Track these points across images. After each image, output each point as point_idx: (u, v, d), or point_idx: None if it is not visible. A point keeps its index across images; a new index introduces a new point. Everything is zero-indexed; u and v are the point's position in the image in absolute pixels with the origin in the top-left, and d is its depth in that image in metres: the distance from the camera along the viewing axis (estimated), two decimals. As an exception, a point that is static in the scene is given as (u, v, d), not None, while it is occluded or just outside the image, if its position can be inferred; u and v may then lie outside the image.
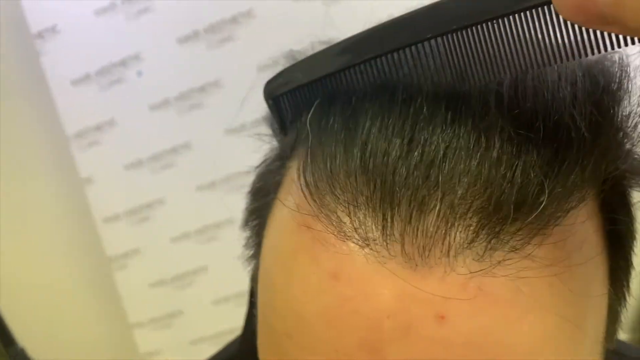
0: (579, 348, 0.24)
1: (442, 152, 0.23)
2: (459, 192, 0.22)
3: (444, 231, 0.22)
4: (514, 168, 0.23)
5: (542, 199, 0.22)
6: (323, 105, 0.27)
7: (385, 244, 0.23)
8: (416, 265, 0.23)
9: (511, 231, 0.22)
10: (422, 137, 0.23)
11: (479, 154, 0.23)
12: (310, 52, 0.28)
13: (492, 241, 0.22)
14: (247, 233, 0.34)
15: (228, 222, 0.96)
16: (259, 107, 0.31)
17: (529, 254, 0.23)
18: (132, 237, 0.99)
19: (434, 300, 0.22)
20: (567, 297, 0.24)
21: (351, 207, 0.24)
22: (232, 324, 0.73)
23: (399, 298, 0.23)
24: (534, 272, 0.23)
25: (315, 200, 0.25)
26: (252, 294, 0.35)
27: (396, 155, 0.23)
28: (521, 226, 0.22)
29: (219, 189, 0.95)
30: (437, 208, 0.23)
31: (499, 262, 0.22)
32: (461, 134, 0.23)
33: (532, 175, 0.22)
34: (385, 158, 0.24)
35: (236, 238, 0.35)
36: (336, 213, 0.24)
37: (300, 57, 0.29)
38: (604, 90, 0.24)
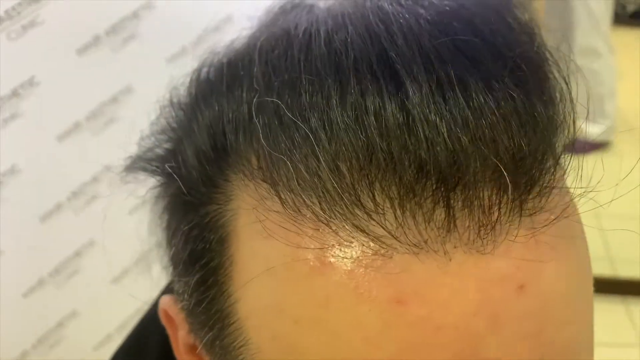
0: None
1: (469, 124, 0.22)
2: (494, 163, 0.22)
3: (497, 204, 0.22)
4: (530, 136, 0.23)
5: (547, 156, 0.24)
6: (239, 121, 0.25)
7: (441, 239, 0.22)
8: (481, 247, 0.22)
9: (542, 192, 0.24)
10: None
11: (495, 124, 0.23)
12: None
13: (534, 203, 0.23)
14: (185, 314, 0.30)
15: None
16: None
17: (553, 207, 0.24)
18: None
19: (510, 274, 0.22)
20: (583, 239, 0.26)
21: (385, 212, 0.22)
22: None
23: (477, 289, 0.22)
24: (564, 222, 0.24)
25: (326, 224, 0.23)
26: None
27: (425, 135, 0.22)
28: (544, 184, 0.23)
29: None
30: (486, 185, 0.22)
31: (543, 221, 0.23)
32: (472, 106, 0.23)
33: (543, 136, 0.24)
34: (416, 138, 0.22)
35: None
36: (363, 228, 0.22)
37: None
38: None
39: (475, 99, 0.23)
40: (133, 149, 0.86)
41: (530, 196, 0.23)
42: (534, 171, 0.23)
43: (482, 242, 0.22)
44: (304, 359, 0.23)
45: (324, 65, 0.24)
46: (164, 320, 0.34)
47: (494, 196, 0.22)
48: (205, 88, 0.30)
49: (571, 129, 0.25)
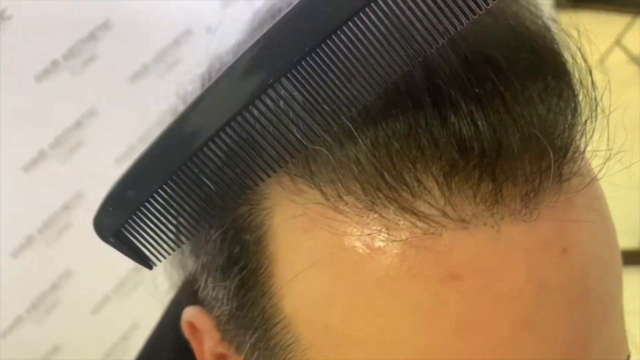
0: None
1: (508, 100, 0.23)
2: (531, 130, 0.23)
3: (538, 171, 0.23)
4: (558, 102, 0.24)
5: (575, 121, 0.24)
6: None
7: (489, 211, 0.22)
8: (526, 215, 0.22)
9: (574, 156, 0.24)
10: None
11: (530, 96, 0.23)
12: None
13: (569, 168, 0.24)
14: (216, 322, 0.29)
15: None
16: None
17: (585, 171, 0.24)
18: None
19: (554, 239, 0.23)
20: (606, 203, 0.26)
21: (430, 190, 0.22)
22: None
23: (526, 257, 0.22)
24: (594, 185, 0.25)
25: (370, 209, 0.23)
26: None
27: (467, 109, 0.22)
28: (575, 149, 0.24)
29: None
30: (526, 154, 0.23)
31: (577, 185, 0.24)
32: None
33: (570, 101, 0.24)
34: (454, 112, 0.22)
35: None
36: (410, 209, 0.22)
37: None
38: None
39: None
40: (105, 174, 0.84)
41: (565, 161, 0.24)
42: (567, 136, 0.24)
43: (527, 210, 0.23)
44: (360, 346, 0.23)
45: None
46: (187, 333, 0.33)
47: (534, 164, 0.23)
48: None
49: (592, 94, 0.25)
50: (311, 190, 0.24)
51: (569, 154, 0.24)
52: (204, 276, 0.29)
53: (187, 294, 0.38)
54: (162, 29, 0.85)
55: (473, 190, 0.22)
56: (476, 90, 0.23)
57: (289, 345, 0.25)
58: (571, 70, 0.25)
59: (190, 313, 0.33)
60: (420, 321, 0.22)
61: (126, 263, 0.29)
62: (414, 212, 0.22)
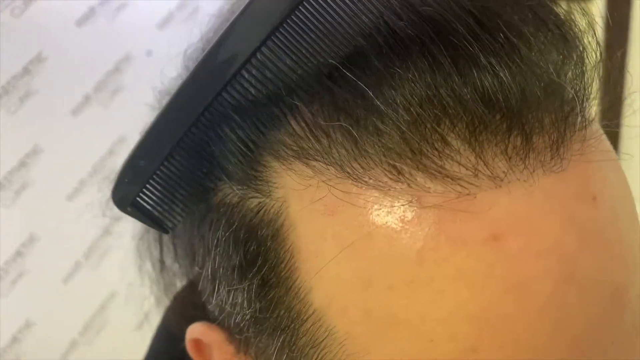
0: None
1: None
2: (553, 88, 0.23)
3: (562, 118, 0.23)
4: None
5: (585, 69, 0.24)
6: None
7: (521, 166, 0.22)
8: (555, 165, 0.22)
9: (590, 104, 0.24)
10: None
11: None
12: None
13: (588, 114, 0.24)
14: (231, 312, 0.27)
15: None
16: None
17: (595, 119, 0.25)
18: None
19: (583, 187, 0.23)
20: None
21: (460, 151, 0.21)
22: None
23: (562, 208, 0.22)
24: (601, 135, 0.25)
25: (398, 180, 0.22)
26: None
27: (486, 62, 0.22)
28: (589, 96, 0.24)
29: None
30: (550, 104, 0.22)
31: (596, 131, 0.24)
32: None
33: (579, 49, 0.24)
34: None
35: None
36: (441, 173, 0.21)
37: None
38: None
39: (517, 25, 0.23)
40: (54, 215, 0.80)
41: (584, 107, 0.24)
42: (581, 82, 0.24)
43: (556, 160, 0.22)
44: (405, 325, 0.22)
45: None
46: (193, 352, 0.31)
47: (558, 112, 0.23)
48: None
49: (595, 44, 0.25)
50: (330, 170, 0.23)
51: (586, 100, 0.24)
52: (215, 283, 0.27)
53: (177, 316, 0.37)
54: (99, 57, 0.81)
55: (504, 144, 0.22)
56: (491, 42, 0.22)
57: (322, 341, 0.24)
58: (568, 17, 0.25)
59: (196, 330, 0.30)
60: (467, 288, 0.21)
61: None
62: (446, 175, 0.21)
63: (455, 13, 0.23)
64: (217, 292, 0.27)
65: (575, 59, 0.24)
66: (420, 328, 0.22)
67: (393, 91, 0.22)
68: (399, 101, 0.22)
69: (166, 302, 0.38)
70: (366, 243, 0.22)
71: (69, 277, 0.80)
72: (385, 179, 0.22)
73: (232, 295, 0.26)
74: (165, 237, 0.34)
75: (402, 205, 0.22)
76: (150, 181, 0.25)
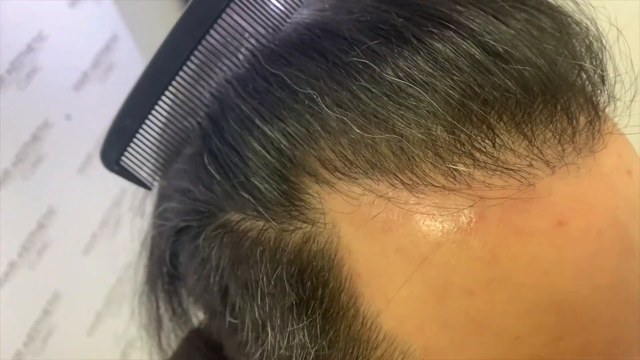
0: None
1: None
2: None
3: (595, 100, 0.24)
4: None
5: (593, 49, 0.25)
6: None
7: (570, 150, 0.22)
8: (594, 145, 0.23)
9: (609, 82, 0.25)
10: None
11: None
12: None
13: (609, 92, 0.25)
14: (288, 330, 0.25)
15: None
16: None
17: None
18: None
19: (619, 163, 0.23)
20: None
21: (512, 140, 0.22)
22: None
23: (608, 185, 0.23)
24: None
25: (456, 182, 0.21)
26: None
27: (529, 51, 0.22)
28: (607, 76, 0.25)
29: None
30: (578, 81, 0.23)
31: (613, 110, 0.25)
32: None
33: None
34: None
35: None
36: (500, 166, 0.21)
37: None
38: None
39: (529, 10, 0.24)
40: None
41: (606, 86, 0.25)
42: (598, 63, 0.25)
43: (596, 140, 0.23)
44: (486, 328, 0.22)
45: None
46: None
47: (588, 92, 0.24)
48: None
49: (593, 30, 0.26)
50: (380, 185, 0.22)
51: (607, 79, 0.24)
52: (266, 329, 0.26)
53: None
54: (16, 125, 0.73)
55: (552, 127, 0.22)
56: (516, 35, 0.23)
57: None
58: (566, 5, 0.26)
59: None
60: (544, 277, 0.21)
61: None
62: (504, 168, 0.21)
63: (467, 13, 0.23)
64: (267, 338, 0.26)
65: (593, 44, 0.25)
66: (504, 327, 0.21)
67: (434, 95, 0.22)
68: (440, 105, 0.22)
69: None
70: (435, 253, 0.21)
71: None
72: (442, 183, 0.21)
73: (288, 337, 0.25)
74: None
75: (466, 207, 0.21)
76: (135, 139, 0.26)
